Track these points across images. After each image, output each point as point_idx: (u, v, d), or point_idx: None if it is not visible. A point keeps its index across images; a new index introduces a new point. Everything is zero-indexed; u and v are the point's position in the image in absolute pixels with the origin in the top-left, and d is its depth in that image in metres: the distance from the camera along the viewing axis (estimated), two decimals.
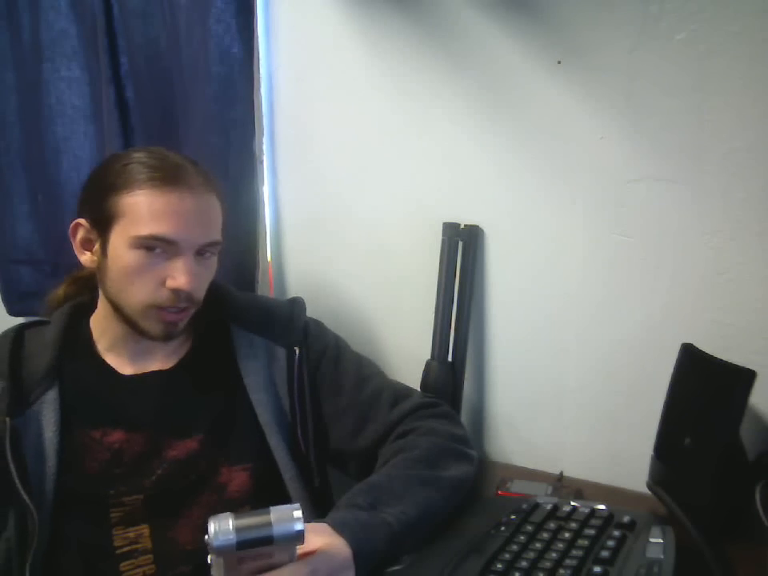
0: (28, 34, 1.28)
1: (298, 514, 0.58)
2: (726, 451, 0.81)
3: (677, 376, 0.89)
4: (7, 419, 0.81)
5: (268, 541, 0.57)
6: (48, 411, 0.85)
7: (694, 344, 0.88)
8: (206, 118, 1.16)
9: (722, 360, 0.83)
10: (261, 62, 1.19)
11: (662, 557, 0.67)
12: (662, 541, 0.71)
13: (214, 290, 0.97)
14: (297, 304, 1.01)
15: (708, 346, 0.86)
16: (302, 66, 1.17)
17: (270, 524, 0.57)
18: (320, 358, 0.98)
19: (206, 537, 0.57)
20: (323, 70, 1.16)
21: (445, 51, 1.05)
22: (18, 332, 0.90)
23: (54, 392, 0.86)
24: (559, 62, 0.97)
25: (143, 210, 0.81)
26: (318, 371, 0.97)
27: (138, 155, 0.86)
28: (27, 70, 1.30)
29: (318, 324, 1.02)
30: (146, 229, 0.81)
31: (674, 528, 0.74)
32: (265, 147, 1.23)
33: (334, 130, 1.17)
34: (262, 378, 0.93)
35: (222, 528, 0.56)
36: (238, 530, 0.56)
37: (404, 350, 1.18)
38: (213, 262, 0.89)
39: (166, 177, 0.82)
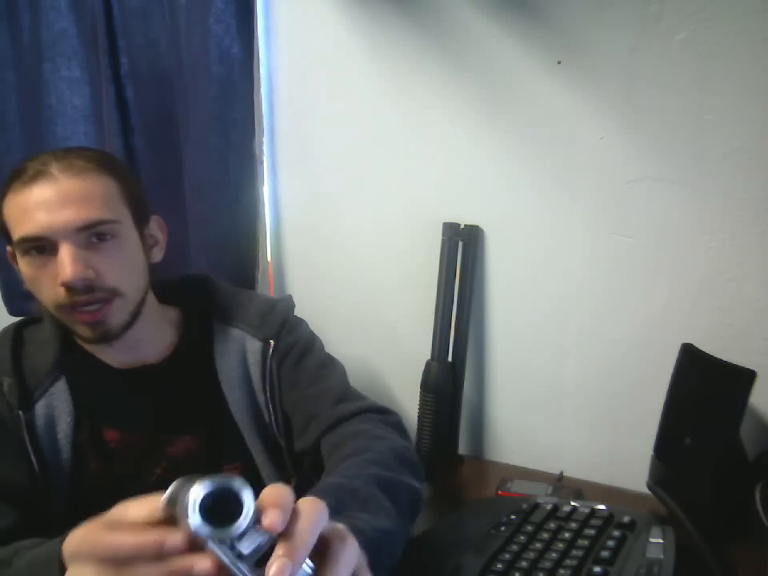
0: (28, 34, 1.28)
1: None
2: (726, 451, 0.81)
3: (677, 376, 0.89)
4: (20, 412, 0.80)
5: None
6: (60, 402, 0.83)
7: (694, 344, 0.88)
8: (206, 118, 1.16)
9: (722, 360, 0.83)
10: (261, 61, 1.19)
11: (662, 557, 0.67)
12: (662, 541, 0.71)
13: (201, 283, 0.96)
14: (283, 300, 0.97)
15: (708, 346, 0.86)
16: (302, 66, 1.17)
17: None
18: (287, 352, 0.92)
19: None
20: (323, 70, 1.16)
21: (445, 51, 1.05)
22: (17, 331, 0.89)
23: (62, 384, 0.84)
24: (559, 62, 0.97)
25: (13, 214, 0.78)
26: (283, 365, 0.92)
27: (25, 160, 0.82)
28: (27, 69, 1.30)
29: (300, 321, 0.98)
30: (18, 233, 0.78)
31: (674, 528, 0.74)
32: (265, 147, 1.23)
33: (334, 130, 1.17)
34: (235, 375, 0.90)
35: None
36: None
37: (404, 349, 1.18)
38: (118, 245, 0.81)
39: (27, 174, 0.78)
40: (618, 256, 0.99)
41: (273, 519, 0.39)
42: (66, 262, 0.76)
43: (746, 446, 0.84)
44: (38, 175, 0.77)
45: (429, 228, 1.10)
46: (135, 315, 0.84)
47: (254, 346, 0.91)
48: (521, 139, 1.02)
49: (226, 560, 0.38)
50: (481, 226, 1.08)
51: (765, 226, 0.89)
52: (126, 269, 0.82)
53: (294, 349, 0.92)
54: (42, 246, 0.77)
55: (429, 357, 1.10)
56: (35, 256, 0.78)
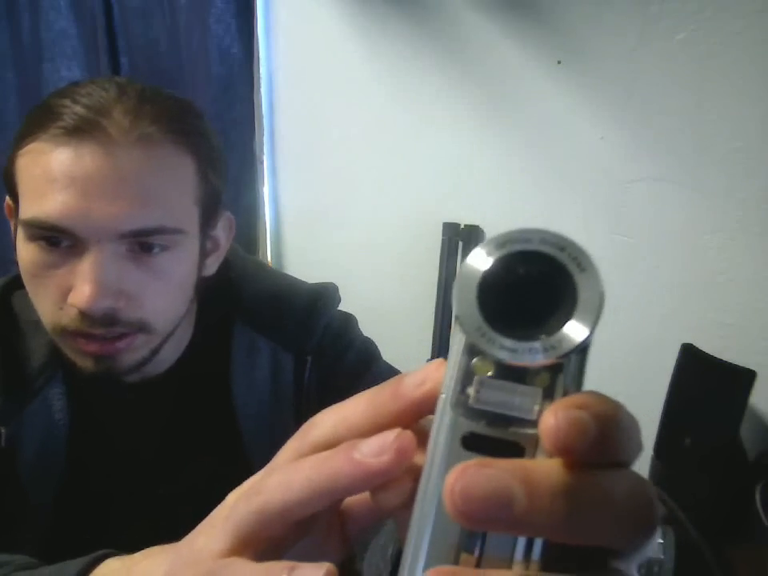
0: (28, 34, 1.28)
1: None
2: (726, 451, 0.81)
3: (677, 376, 0.89)
4: (2, 430, 0.58)
5: None
6: (55, 413, 0.62)
7: (694, 344, 0.88)
8: (206, 118, 1.16)
9: (722, 360, 0.83)
10: (261, 61, 1.19)
11: (662, 557, 0.67)
12: (661, 541, 0.71)
13: (223, 262, 0.67)
14: (324, 295, 0.71)
15: (708, 346, 0.86)
16: (302, 66, 1.17)
17: None
18: (335, 362, 0.68)
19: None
20: (323, 71, 1.16)
21: (445, 52, 1.05)
22: (2, 297, 0.62)
23: (59, 388, 0.61)
24: (559, 63, 0.97)
25: (29, 175, 0.51)
26: (329, 382, 0.68)
27: (66, 88, 0.53)
28: (27, 69, 1.30)
29: (347, 320, 0.73)
30: (31, 209, 0.51)
31: (673, 528, 0.74)
32: (265, 147, 1.23)
33: (334, 130, 1.17)
34: (256, 395, 0.67)
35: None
36: None
37: (404, 349, 1.18)
38: (168, 261, 0.54)
39: (66, 121, 0.50)
40: (618, 256, 0.99)
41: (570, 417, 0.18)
42: (91, 279, 0.51)
43: (746, 446, 0.84)
44: (87, 128, 0.49)
45: (429, 228, 1.10)
46: (156, 351, 0.59)
47: (286, 361, 0.68)
48: (521, 139, 1.02)
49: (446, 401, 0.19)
50: (481, 226, 1.08)
51: (765, 226, 0.89)
52: (167, 296, 0.57)
53: (345, 362, 0.69)
54: (59, 240, 0.51)
55: (429, 357, 1.10)
56: (45, 249, 0.52)
